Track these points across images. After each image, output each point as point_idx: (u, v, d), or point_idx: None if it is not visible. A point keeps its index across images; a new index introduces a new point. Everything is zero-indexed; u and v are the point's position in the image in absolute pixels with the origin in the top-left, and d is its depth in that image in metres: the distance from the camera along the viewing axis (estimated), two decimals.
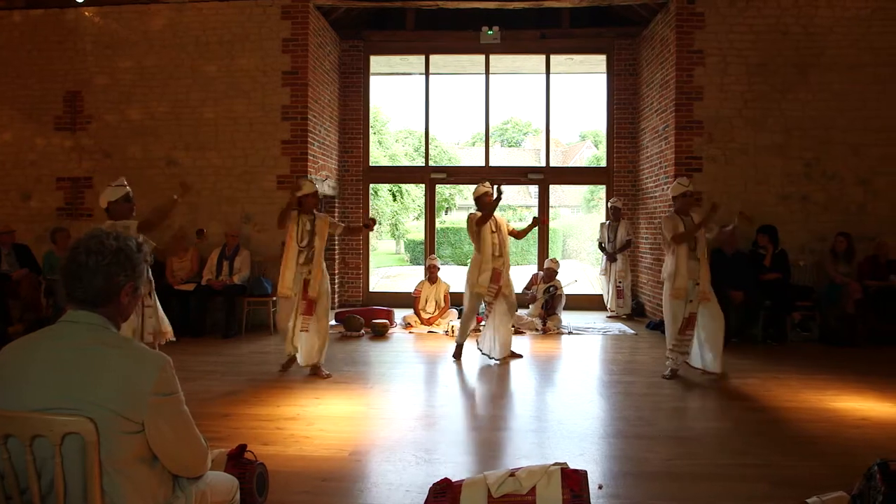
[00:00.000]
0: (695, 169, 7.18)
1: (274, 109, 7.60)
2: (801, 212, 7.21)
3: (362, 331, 7.12)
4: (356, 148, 9.29)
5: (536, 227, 6.41)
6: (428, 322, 7.53)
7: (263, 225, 7.57)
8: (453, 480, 2.49)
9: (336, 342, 6.52)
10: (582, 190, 25.25)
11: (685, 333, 5.07)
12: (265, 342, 6.62)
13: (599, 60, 9.34)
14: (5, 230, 7.01)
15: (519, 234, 6.03)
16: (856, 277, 6.74)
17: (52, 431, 1.45)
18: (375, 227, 5.78)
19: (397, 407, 4.35)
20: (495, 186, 5.57)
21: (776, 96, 7.18)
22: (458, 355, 5.84)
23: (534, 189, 16.17)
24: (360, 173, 9.31)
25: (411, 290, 7.90)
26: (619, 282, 8.39)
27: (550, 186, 9.73)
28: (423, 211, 10.04)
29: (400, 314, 7.80)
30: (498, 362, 5.68)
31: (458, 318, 6.76)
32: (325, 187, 8.32)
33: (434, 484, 2.50)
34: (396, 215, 23.85)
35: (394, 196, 23.15)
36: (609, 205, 8.80)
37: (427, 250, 9.54)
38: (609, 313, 8.52)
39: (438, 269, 7.89)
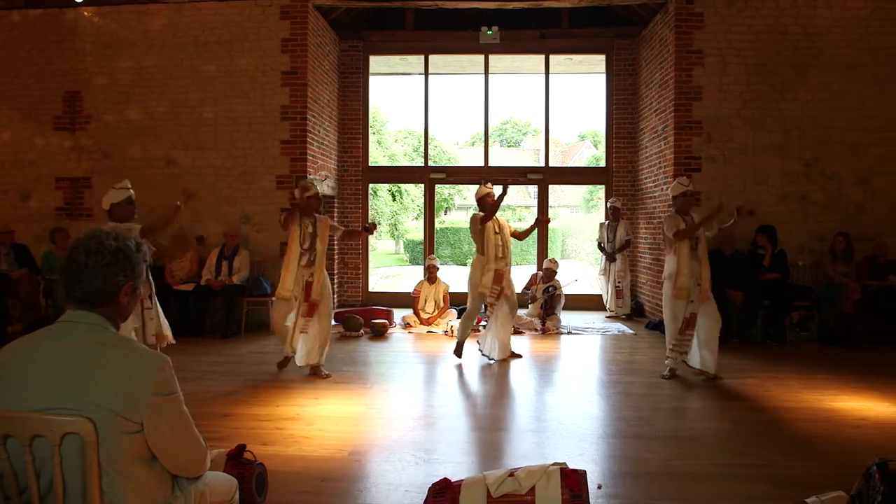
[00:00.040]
0: (694, 169, 7.18)
1: (273, 109, 7.60)
2: (800, 212, 7.21)
3: (361, 331, 7.12)
4: (355, 148, 9.28)
5: (537, 228, 6.42)
6: (427, 322, 7.53)
7: (263, 225, 7.57)
8: (452, 480, 2.49)
9: (335, 342, 6.51)
10: (581, 190, 25.26)
11: (685, 333, 5.07)
12: (264, 342, 6.61)
13: (599, 60, 9.35)
14: (4, 230, 7.01)
15: (521, 236, 6.04)
16: (855, 277, 6.75)
17: (52, 431, 1.44)
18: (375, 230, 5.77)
19: (396, 407, 4.35)
20: (504, 185, 5.59)
21: (775, 96, 7.19)
22: (459, 353, 5.84)
23: (533, 189, 16.17)
24: (359, 173, 9.31)
25: (410, 290, 7.90)
26: (619, 282, 8.40)
27: (550, 186, 9.74)
28: (423, 211, 10.04)
29: (399, 314, 7.81)
30: (497, 362, 5.69)
31: (458, 317, 6.77)
32: (325, 187, 8.32)
33: (433, 484, 2.50)
34: (396, 215, 23.85)
35: (393, 196, 23.15)
36: (608, 205, 8.81)
37: (426, 250, 9.55)
38: (608, 313, 8.52)
39: (438, 269, 7.90)
